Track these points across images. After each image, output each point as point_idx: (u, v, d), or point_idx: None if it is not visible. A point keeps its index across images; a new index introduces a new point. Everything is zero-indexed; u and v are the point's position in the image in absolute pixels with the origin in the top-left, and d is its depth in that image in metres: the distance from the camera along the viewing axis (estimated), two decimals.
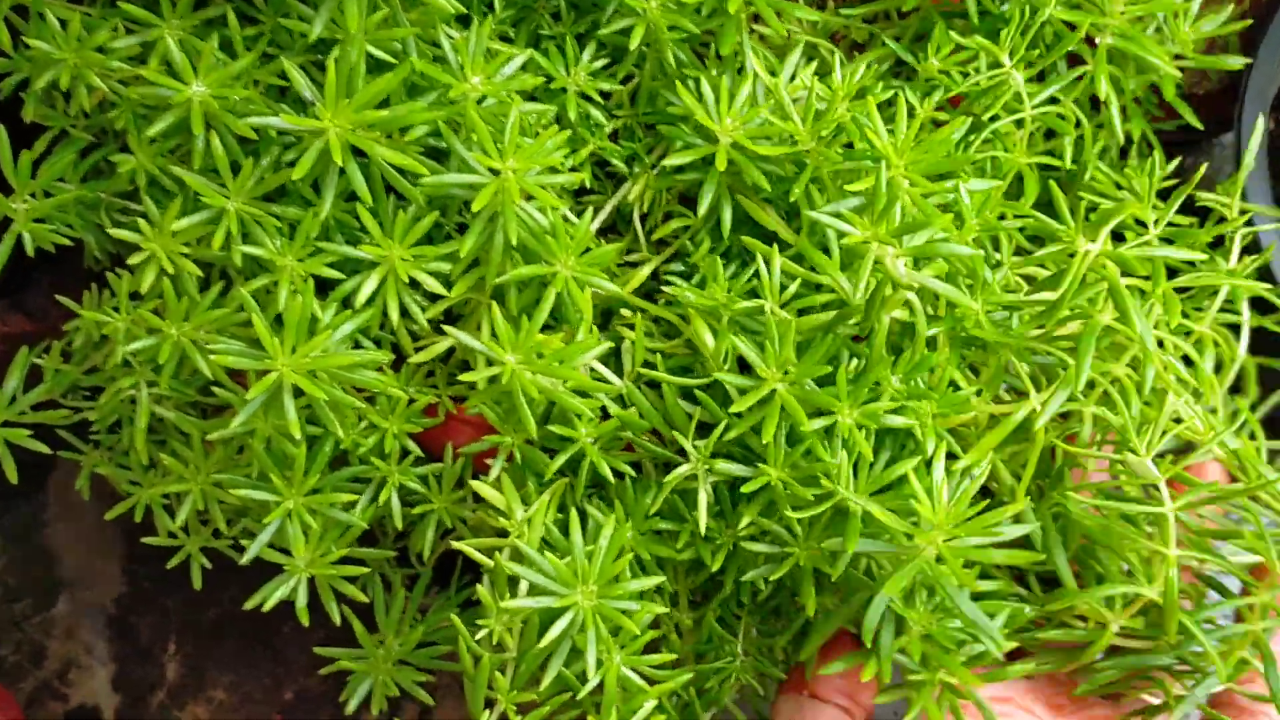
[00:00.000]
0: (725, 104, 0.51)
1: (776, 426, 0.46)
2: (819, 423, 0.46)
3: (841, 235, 0.47)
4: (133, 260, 0.51)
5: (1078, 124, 0.58)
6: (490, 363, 0.48)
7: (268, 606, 0.53)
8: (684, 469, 0.50)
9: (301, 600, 0.54)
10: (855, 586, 0.49)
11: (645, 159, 0.58)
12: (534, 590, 0.46)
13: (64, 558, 0.93)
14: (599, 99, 0.56)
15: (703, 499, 0.49)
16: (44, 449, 0.60)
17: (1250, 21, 0.60)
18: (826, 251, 0.51)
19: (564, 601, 0.45)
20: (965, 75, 0.55)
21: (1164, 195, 0.57)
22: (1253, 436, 0.56)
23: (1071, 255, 0.48)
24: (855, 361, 0.49)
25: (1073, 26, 0.56)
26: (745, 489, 0.47)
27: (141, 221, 0.51)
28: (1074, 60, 0.58)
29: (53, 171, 0.55)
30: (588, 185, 0.58)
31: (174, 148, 0.53)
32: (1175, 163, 0.59)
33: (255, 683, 0.89)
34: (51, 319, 0.87)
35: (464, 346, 0.48)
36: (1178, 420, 0.52)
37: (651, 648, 0.48)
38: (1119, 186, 0.58)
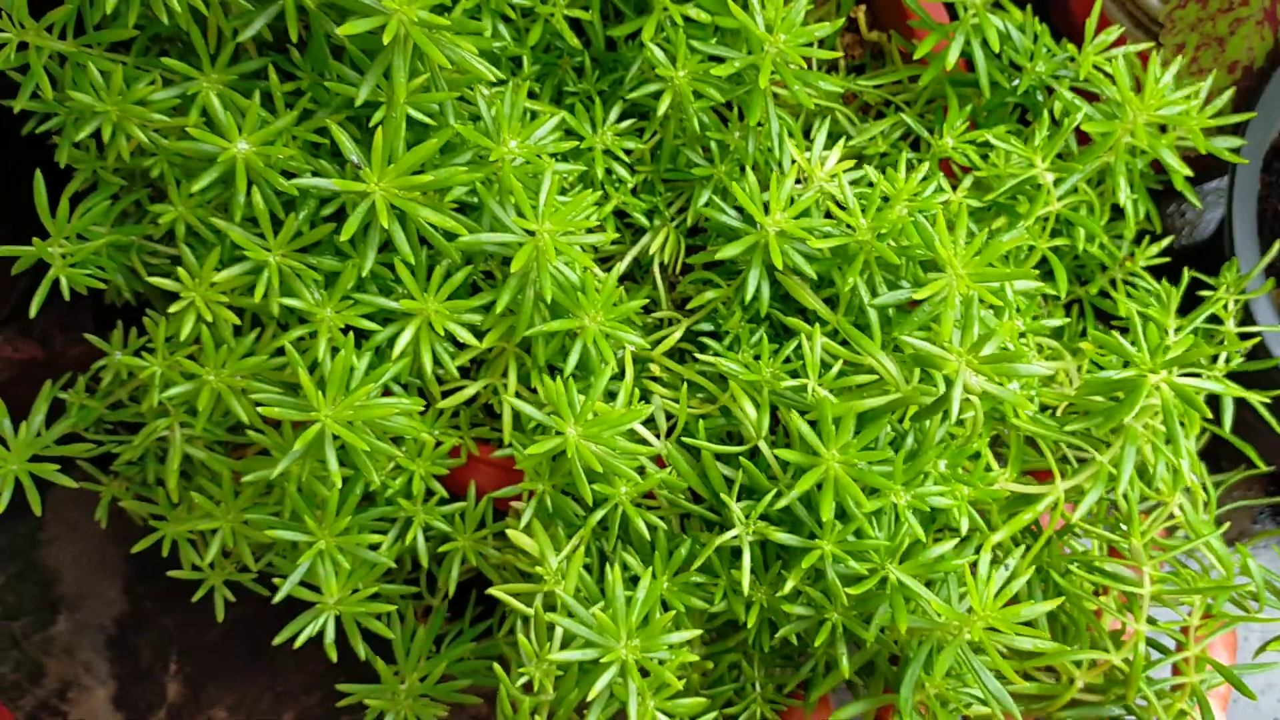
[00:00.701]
0: (776, 197, 0.53)
1: (831, 502, 0.49)
2: (875, 503, 0.49)
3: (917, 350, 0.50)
4: (173, 308, 0.52)
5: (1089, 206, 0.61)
6: (545, 428, 0.50)
7: (299, 643, 0.54)
8: (734, 531, 0.52)
9: (330, 636, 0.55)
10: (876, 648, 0.52)
11: (665, 212, 0.60)
12: (572, 638, 0.48)
13: (63, 576, 0.94)
14: (623, 156, 0.58)
15: (746, 560, 0.51)
16: (71, 484, 0.61)
17: (1232, 91, 0.63)
18: (865, 330, 0.53)
19: (609, 657, 0.47)
20: (984, 158, 0.58)
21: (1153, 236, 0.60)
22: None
23: (1131, 375, 0.53)
24: (908, 445, 0.52)
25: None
26: (805, 562, 0.49)
27: (180, 270, 0.52)
28: (1081, 138, 0.60)
29: (88, 218, 0.56)
30: (611, 238, 0.60)
31: (211, 199, 0.54)
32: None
33: (256, 702, 0.90)
34: (56, 346, 0.89)
35: (524, 414, 0.50)
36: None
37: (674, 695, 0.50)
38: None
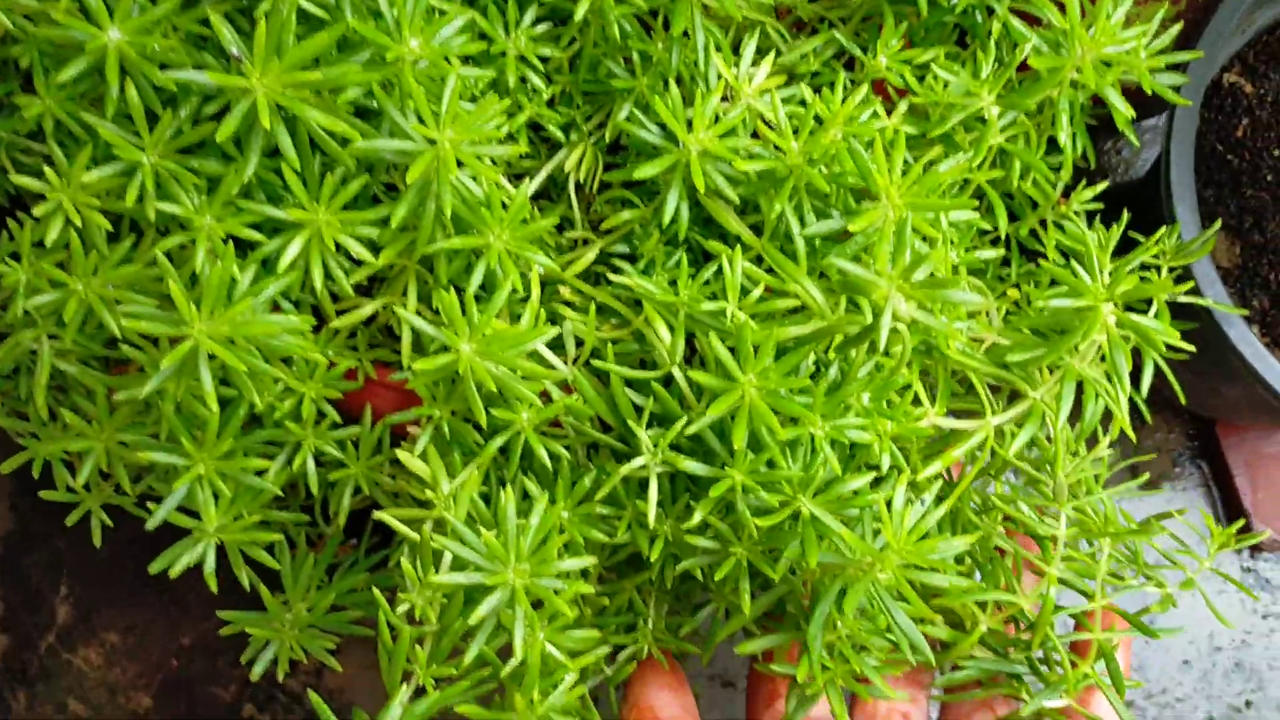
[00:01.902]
0: (701, 113, 0.50)
1: (744, 430, 0.46)
2: (791, 432, 0.46)
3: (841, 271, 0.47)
4: (38, 210, 0.48)
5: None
6: (442, 346, 0.47)
7: (174, 573, 0.51)
8: (640, 460, 0.49)
9: (209, 566, 0.52)
10: (785, 589, 0.50)
11: (583, 127, 0.56)
12: (460, 564, 0.45)
13: None
14: (538, 64, 0.55)
15: (653, 490, 0.49)
16: None
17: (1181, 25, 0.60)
18: (791, 259, 0.50)
19: (495, 579, 0.44)
20: (920, 79, 0.55)
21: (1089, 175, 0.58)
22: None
23: (1083, 304, 0.51)
24: (831, 376, 0.49)
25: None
26: (714, 491, 0.47)
27: (48, 169, 0.48)
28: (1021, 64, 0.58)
29: None
30: (522, 151, 0.57)
31: (84, 92, 0.50)
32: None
33: (151, 626, 0.87)
34: None
35: (418, 329, 0.47)
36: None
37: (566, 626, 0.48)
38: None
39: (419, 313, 0.53)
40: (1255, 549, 0.89)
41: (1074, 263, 0.54)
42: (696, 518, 0.47)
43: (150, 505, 0.52)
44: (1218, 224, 0.59)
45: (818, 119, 0.50)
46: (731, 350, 0.47)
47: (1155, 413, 0.90)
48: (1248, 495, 0.88)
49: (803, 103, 0.54)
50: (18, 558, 0.89)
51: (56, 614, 0.88)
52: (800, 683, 0.51)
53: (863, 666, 0.50)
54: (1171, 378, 0.56)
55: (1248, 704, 0.87)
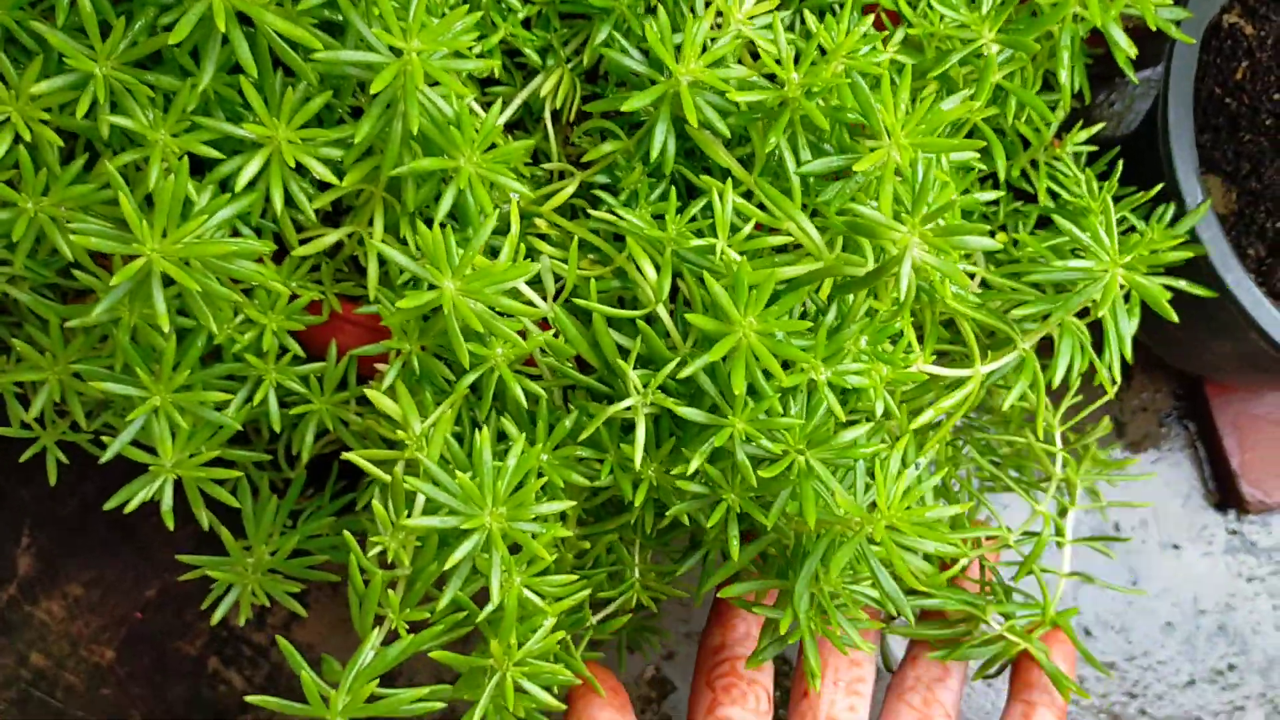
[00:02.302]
0: (691, 40, 0.48)
1: (743, 375, 0.44)
2: (795, 378, 0.44)
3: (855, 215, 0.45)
4: None
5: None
6: (418, 282, 0.45)
7: (130, 508, 0.49)
8: (629, 401, 0.47)
9: (167, 503, 0.50)
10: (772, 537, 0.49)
11: (560, 51, 0.54)
12: (434, 507, 0.43)
13: None
14: None
15: (641, 433, 0.47)
16: None
17: None
18: (785, 195, 0.49)
19: (471, 523, 0.42)
20: (912, 6, 0.53)
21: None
22: None
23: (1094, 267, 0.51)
24: (828, 320, 0.48)
25: None
26: (717, 440, 0.45)
27: None
28: None
29: None
30: (495, 75, 0.54)
31: (35, 1, 0.47)
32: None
33: (115, 578, 0.85)
34: None
35: (395, 263, 0.44)
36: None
37: (544, 571, 0.46)
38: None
39: (385, 243, 0.51)
40: (1241, 511, 0.88)
41: (1070, 220, 0.53)
42: (694, 464, 0.45)
43: (106, 440, 0.50)
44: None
45: (821, 49, 0.48)
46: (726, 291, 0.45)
47: (1143, 371, 0.88)
48: (1235, 456, 0.86)
49: (795, 26, 0.52)
50: None
51: (18, 566, 0.85)
52: (781, 633, 0.50)
53: (840, 625, 0.48)
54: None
55: (1230, 667, 0.86)
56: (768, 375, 0.44)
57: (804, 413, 0.46)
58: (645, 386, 0.48)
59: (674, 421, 0.48)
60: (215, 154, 0.46)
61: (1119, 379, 0.52)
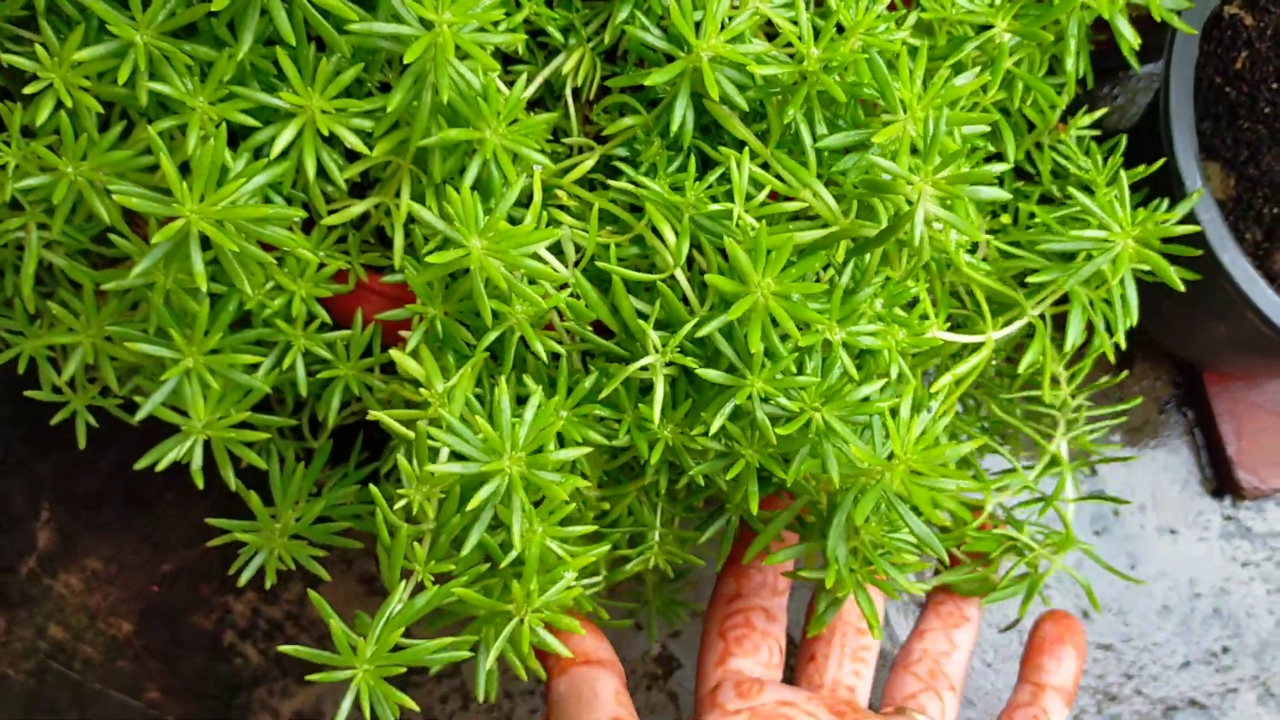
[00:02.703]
0: (712, 16, 0.49)
1: (759, 335, 0.45)
2: (810, 338, 0.46)
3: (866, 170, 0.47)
4: (30, 89, 0.47)
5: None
6: (446, 245, 0.46)
7: (161, 466, 0.51)
8: (647, 360, 0.49)
9: (196, 463, 0.52)
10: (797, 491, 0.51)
11: (581, 30, 0.56)
12: (457, 457, 0.45)
13: None
14: None
15: (659, 392, 0.48)
16: None
17: None
18: (801, 165, 0.50)
19: (490, 467, 0.44)
20: None
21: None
22: None
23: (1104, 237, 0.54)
24: (843, 282, 0.49)
25: None
26: (739, 398, 0.47)
27: (39, 49, 0.47)
28: None
29: None
30: (518, 54, 0.56)
31: None
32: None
33: (133, 553, 0.87)
34: None
35: (425, 223, 0.46)
36: None
37: (564, 523, 0.48)
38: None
39: (411, 218, 0.53)
40: (1237, 497, 0.90)
41: (1078, 192, 0.55)
42: (715, 424, 0.47)
43: (139, 400, 0.51)
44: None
45: (839, 27, 0.50)
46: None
47: (1142, 358, 0.90)
48: (1232, 443, 0.88)
49: (809, 5, 0.54)
50: None
51: (37, 539, 0.87)
52: (828, 588, 0.51)
53: (883, 567, 0.50)
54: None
55: (1225, 650, 0.88)
56: (784, 337, 0.46)
57: (819, 371, 0.48)
58: (666, 345, 0.49)
59: (690, 384, 0.50)
60: (252, 122, 0.48)
61: (1124, 345, 0.54)
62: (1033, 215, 0.57)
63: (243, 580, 0.56)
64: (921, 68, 0.49)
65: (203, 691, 0.85)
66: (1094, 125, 0.66)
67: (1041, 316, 0.56)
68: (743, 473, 0.49)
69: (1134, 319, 0.54)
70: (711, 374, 0.47)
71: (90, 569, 0.86)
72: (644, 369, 0.49)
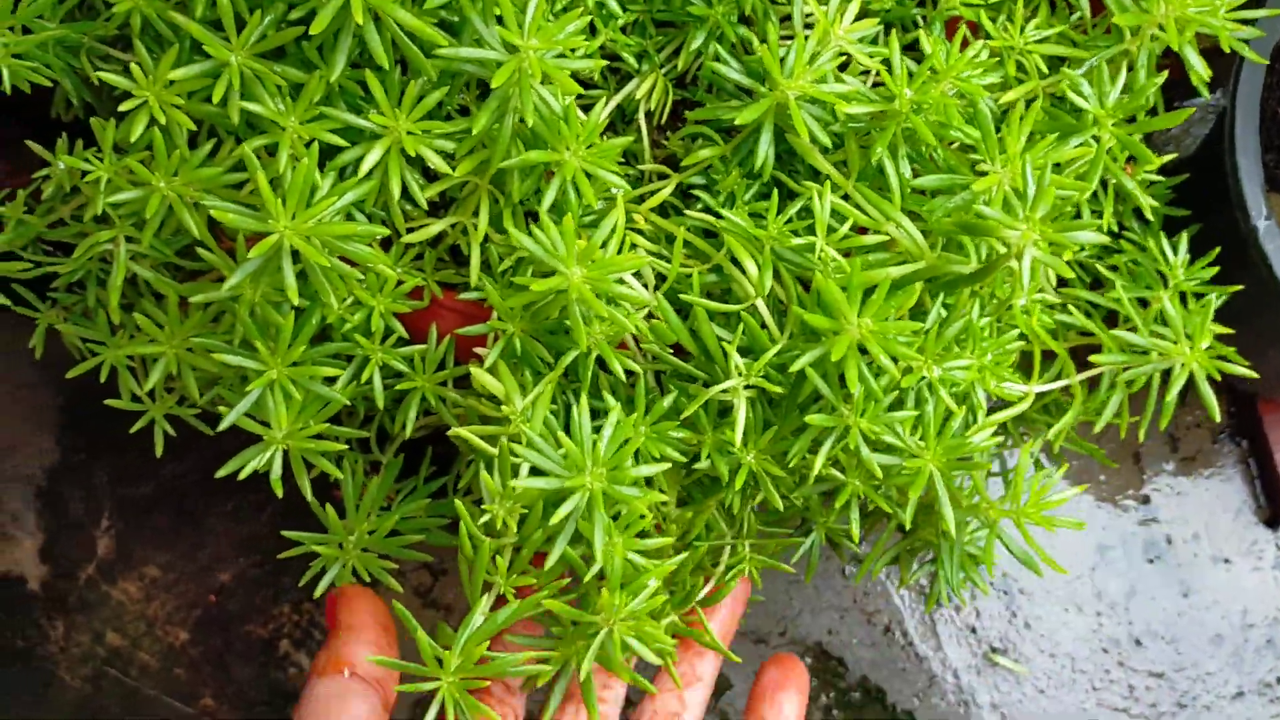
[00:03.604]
0: (801, 56, 0.50)
1: (857, 374, 0.46)
2: (910, 379, 0.47)
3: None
4: (125, 107, 0.48)
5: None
6: (530, 268, 0.47)
7: (244, 475, 0.52)
8: (729, 384, 0.49)
9: (276, 472, 0.53)
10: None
11: (654, 57, 0.57)
12: (538, 473, 0.45)
13: None
14: None
15: (741, 417, 0.49)
16: (6, 302, 0.58)
17: None
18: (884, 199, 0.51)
19: (573, 482, 0.44)
20: (993, 18, 0.55)
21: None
22: None
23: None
24: (933, 318, 0.50)
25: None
26: (851, 442, 0.49)
27: (134, 67, 0.49)
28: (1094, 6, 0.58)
29: (34, 8, 0.52)
30: (593, 79, 0.57)
31: None
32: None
33: (190, 562, 0.88)
34: None
35: (525, 250, 0.47)
36: None
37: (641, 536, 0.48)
38: None
39: (487, 237, 0.54)
40: None
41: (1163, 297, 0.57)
42: (820, 463, 0.48)
43: (222, 410, 0.52)
44: None
45: (933, 70, 0.51)
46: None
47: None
48: None
49: (878, 40, 0.55)
50: (61, 490, 0.89)
51: (97, 546, 0.88)
52: None
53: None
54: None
55: (1279, 680, 0.87)
56: (877, 372, 0.47)
57: (915, 406, 0.49)
58: (749, 370, 0.50)
59: (770, 407, 0.51)
60: (339, 141, 0.49)
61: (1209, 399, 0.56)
62: (1112, 282, 0.59)
63: (317, 592, 0.57)
64: (1030, 124, 0.50)
65: (256, 699, 0.86)
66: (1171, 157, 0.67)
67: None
68: (848, 501, 0.50)
69: (1216, 416, 0.57)
70: (818, 419, 0.48)
71: (149, 577, 0.88)
72: (724, 391, 0.49)
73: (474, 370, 0.51)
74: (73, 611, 0.88)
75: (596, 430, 0.47)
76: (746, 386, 0.49)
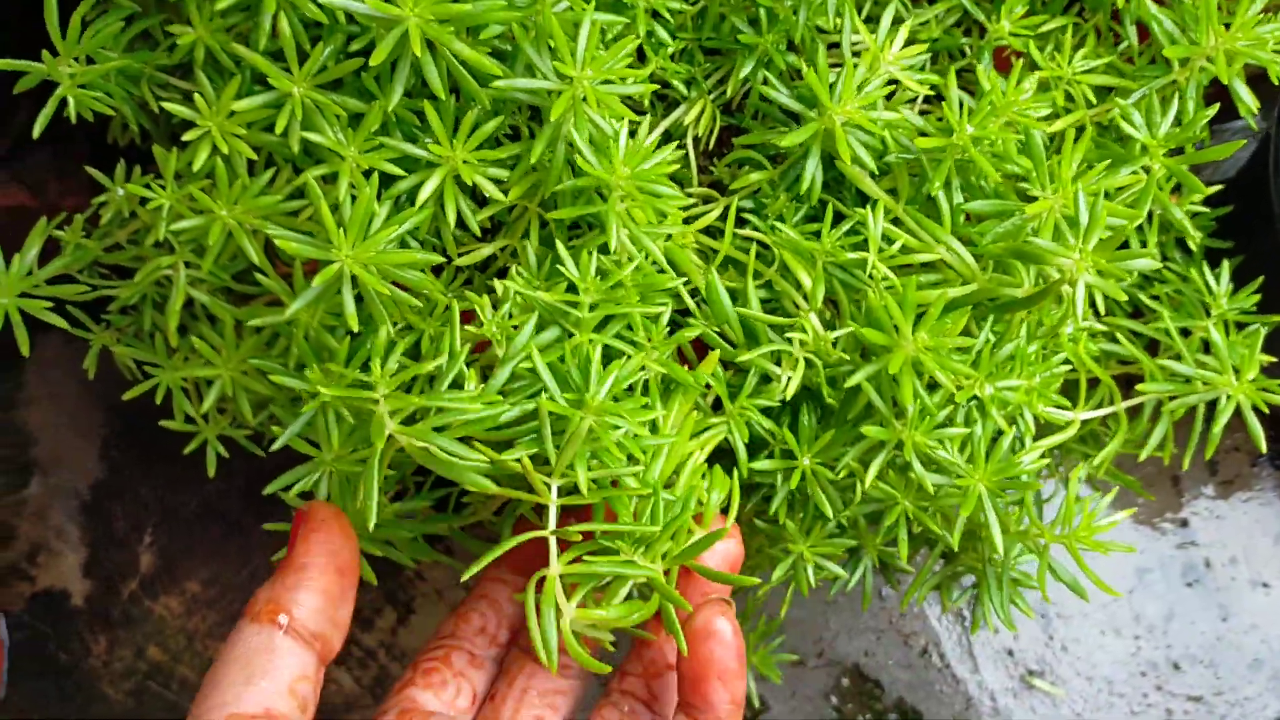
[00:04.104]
0: (850, 83, 0.51)
1: (912, 390, 0.47)
2: (963, 395, 0.48)
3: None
4: (187, 136, 0.50)
5: None
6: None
7: (292, 494, 0.53)
8: (785, 383, 0.51)
9: (323, 492, 0.53)
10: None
11: (703, 84, 0.58)
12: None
13: (40, 438, 0.92)
14: (668, 16, 0.56)
15: (793, 385, 0.51)
16: (63, 324, 0.59)
17: None
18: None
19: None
20: (1041, 47, 0.56)
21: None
22: None
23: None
24: (984, 338, 0.51)
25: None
26: (907, 453, 0.50)
27: (198, 97, 0.50)
28: (1141, 33, 0.59)
29: (98, 39, 0.53)
30: (643, 105, 0.58)
31: (232, 26, 0.52)
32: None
33: (231, 577, 0.89)
34: (50, 195, 0.85)
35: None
36: None
37: None
38: None
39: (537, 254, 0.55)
40: None
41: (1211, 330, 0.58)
42: (871, 475, 0.49)
43: (275, 430, 0.53)
44: None
45: (992, 105, 0.52)
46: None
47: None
48: None
49: (925, 66, 0.55)
50: (105, 506, 0.91)
51: (140, 562, 0.90)
52: None
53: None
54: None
55: None
56: (929, 387, 0.48)
57: (965, 423, 0.49)
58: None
59: (820, 412, 0.52)
60: (398, 171, 0.50)
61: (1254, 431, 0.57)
62: (1158, 312, 0.59)
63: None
64: (1081, 152, 0.51)
65: None
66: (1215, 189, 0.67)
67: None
68: (895, 521, 0.51)
69: (1263, 448, 0.57)
70: (875, 430, 0.49)
71: (190, 592, 0.89)
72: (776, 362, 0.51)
73: None
74: (115, 626, 0.89)
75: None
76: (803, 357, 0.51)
